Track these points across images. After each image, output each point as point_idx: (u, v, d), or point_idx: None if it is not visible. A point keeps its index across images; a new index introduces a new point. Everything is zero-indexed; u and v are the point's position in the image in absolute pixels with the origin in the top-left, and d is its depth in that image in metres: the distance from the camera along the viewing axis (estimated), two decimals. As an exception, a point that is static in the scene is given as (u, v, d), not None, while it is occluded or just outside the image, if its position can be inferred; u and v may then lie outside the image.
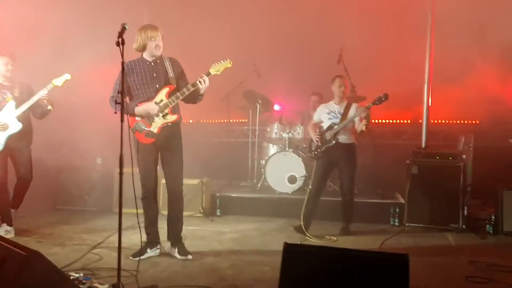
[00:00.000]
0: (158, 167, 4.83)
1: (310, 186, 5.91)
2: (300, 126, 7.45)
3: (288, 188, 7.10)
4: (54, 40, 6.97)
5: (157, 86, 4.62)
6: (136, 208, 4.25)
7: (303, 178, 7.03)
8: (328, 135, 5.81)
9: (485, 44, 7.55)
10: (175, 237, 4.83)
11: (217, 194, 7.08)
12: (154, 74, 4.64)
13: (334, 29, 7.85)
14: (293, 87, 8.22)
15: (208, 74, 4.57)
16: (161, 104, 4.58)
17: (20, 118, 5.46)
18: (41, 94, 5.39)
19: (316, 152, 5.90)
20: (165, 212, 6.59)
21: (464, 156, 6.21)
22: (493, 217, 5.93)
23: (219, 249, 5.09)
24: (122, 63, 3.59)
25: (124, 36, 3.60)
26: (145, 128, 4.60)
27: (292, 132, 7.41)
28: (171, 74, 4.65)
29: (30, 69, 6.10)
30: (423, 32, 7.05)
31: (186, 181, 6.77)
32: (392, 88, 5.90)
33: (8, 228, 5.54)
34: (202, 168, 7.35)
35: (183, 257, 4.69)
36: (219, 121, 9.52)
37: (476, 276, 4.19)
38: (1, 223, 5.58)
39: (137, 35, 4.61)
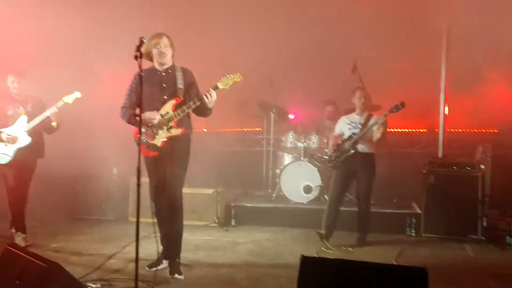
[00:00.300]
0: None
1: (329, 196, 5.89)
2: (316, 136, 7.43)
3: (304, 198, 7.08)
4: (71, 52, 7.07)
5: (165, 97, 4.47)
6: (152, 218, 4.28)
7: (319, 188, 7.01)
8: (347, 145, 5.82)
9: (502, 52, 7.49)
10: (168, 251, 4.63)
11: (232, 204, 7.08)
12: (164, 85, 4.49)
13: (348, 38, 7.88)
14: (308, 96, 8.23)
15: (216, 88, 4.41)
16: (166, 117, 4.42)
17: (30, 133, 5.54)
18: (52, 111, 5.48)
19: (335, 162, 5.90)
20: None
21: (482, 166, 6.13)
22: (512, 227, 5.85)
23: (234, 260, 5.08)
24: (140, 76, 3.61)
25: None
26: (149, 141, 4.46)
27: (307, 141, 7.40)
28: (180, 85, 4.48)
29: (48, 81, 6.20)
30: (438, 40, 7.02)
31: (200, 191, 6.88)
32: (408, 97, 5.89)
33: (23, 235, 5.61)
34: (216, 177, 7.36)
35: (172, 276, 4.42)
36: (233, 130, 9.54)
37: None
38: (15, 232, 5.63)
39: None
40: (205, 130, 9.32)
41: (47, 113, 5.47)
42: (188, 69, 4.65)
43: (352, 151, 5.76)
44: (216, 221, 6.77)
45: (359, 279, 2.92)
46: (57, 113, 5.53)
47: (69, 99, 5.52)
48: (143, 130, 4.42)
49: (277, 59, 8.25)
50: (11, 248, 3.34)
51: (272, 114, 7.96)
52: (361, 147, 5.79)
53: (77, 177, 7.38)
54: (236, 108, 8.47)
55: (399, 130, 8.65)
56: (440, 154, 6.92)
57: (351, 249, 5.58)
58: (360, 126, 5.84)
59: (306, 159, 7.29)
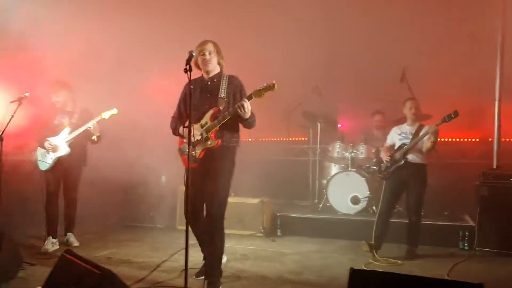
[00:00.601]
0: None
1: (379, 207, 5.80)
2: (363, 145, 7.33)
3: (351, 209, 6.99)
4: (119, 60, 7.25)
5: (207, 107, 4.33)
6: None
7: (367, 199, 6.90)
8: (397, 155, 5.74)
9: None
10: (207, 267, 4.45)
11: (278, 214, 7.06)
12: (208, 95, 4.38)
13: (396, 46, 7.75)
14: (355, 106, 8.16)
15: (250, 97, 4.17)
16: (205, 128, 4.28)
17: (71, 143, 5.83)
18: (89, 125, 5.76)
19: (385, 173, 5.82)
20: (227, 231, 6.74)
21: (540, 178, 5.88)
22: None
23: (281, 271, 5.05)
24: (190, 89, 3.65)
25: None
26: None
27: (354, 151, 7.31)
28: (222, 94, 4.32)
29: (98, 89, 6.40)
30: (492, 46, 6.79)
31: (246, 200, 6.91)
32: (459, 105, 5.72)
33: (53, 240, 5.86)
34: (261, 187, 7.38)
35: None
36: (279, 139, 9.55)
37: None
38: (46, 236, 5.86)
39: None
40: (250, 139, 9.39)
41: (84, 127, 5.75)
42: (235, 77, 4.48)
43: (403, 161, 5.67)
44: (262, 231, 6.77)
45: (411, 294, 2.84)
46: (96, 126, 5.80)
47: (106, 114, 5.83)
48: (185, 140, 4.37)
49: (324, 67, 8.20)
50: (68, 255, 3.45)
51: (318, 123, 7.91)
52: (411, 157, 5.68)
53: (127, 185, 7.56)
54: (282, 118, 8.47)
55: (450, 140, 8.41)
56: (494, 165, 6.66)
57: (400, 262, 5.45)
58: (410, 137, 5.75)
59: (354, 169, 7.19)
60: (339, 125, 8.40)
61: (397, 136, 5.89)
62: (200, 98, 4.37)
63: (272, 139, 9.65)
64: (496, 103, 6.74)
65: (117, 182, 7.20)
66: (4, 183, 5.07)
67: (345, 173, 7.23)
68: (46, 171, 5.89)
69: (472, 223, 6.22)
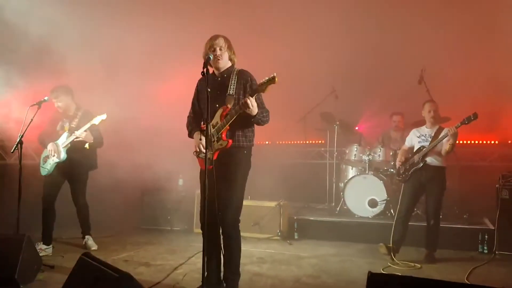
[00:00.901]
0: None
1: (398, 210, 5.75)
2: (381, 148, 7.28)
3: (369, 212, 6.95)
4: (135, 63, 7.31)
5: (217, 105, 4.12)
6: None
7: (384, 202, 6.85)
8: (416, 158, 5.69)
9: None
10: (224, 273, 4.24)
11: (295, 217, 7.04)
12: (218, 92, 4.13)
13: (414, 48, 7.70)
14: (373, 108, 8.10)
15: (254, 93, 3.93)
16: (216, 127, 4.07)
17: (69, 148, 5.72)
18: (79, 133, 5.61)
19: (404, 175, 5.77)
20: (244, 234, 6.74)
21: (561, 180, 5.78)
22: None
23: (298, 275, 5.03)
24: (207, 91, 3.64)
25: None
26: (204, 153, 4.04)
27: (372, 154, 7.26)
28: (231, 91, 4.11)
29: (118, 94, 6.47)
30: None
31: (263, 203, 6.90)
32: (478, 107, 5.66)
33: (43, 247, 5.71)
34: (278, 190, 7.36)
35: None
36: (295, 142, 9.53)
37: None
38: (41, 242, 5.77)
39: None
40: (267, 142, 9.39)
41: (73, 136, 5.62)
42: (244, 72, 4.25)
43: (421, 164, 5.62)
44: (279, 234, 6.76)
45: (430, 299, 2.81)
46: (88, 134, 5.67)
47: (96, 120, 5.66)
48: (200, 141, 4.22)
49: (341, 69, 8.17)
50: (86, 258, 3.49)
51: (335, 126, 7.88)
52: (430, 160, 5.63)
53: (145, 188, 7.62)
54: (299, 121, 8.46)
55: (469, 142, 8.31)
56: (514, 168, 6.56)
57: (418, 265, 5.39)
58: (429, 139, 5.70)
59: (372, 172, 7.15)
60: (356, 128, 8.34)
61: (416, 139, 5.85)
62: (210, 96, 3.98)
63: (289, 142, 9.64)
64: (517, 104, 6.66)
65: (135, 185, 7.27)
66: (25, 186, 5.15)
67: (362, 176, 7.19)
68: (45, 176, 5.84)
69: (491, 226, 6.14)
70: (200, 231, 3.86)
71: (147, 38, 7.45)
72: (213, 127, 4.09)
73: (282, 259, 5.70)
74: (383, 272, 5.03)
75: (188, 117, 4.48)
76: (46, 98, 5.61)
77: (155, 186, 7.58)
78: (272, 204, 6.90)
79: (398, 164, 5.87)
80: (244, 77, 4.18)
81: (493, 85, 7.46)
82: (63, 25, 6.20)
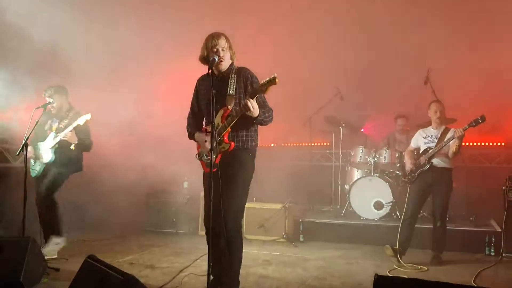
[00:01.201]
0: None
1: (404, 212, 5.71)
2: (387, 150, 7.24)
3: (374, 215, 6.91)
4: (141, 65, 7.30)
5: (218, 106, 3.93)
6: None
7: (390, 204, 6.82)
8: (422, 159, 5.67)
9: None
10: (222, 278, 4.04)
11: (300, 219, 7.01)
12: (218, 92, 3.93)
13: (420, 49, 7.67)
14: (378, 109, 8.08)
15: (254, 95, 3.82)
16: (217, 130, 3.92)
17: (56, 149, 5.57)
18: (64, 134, 5.46)
19: (410, 177, 5.74)
20: (250, 237, 6.74)
21: None
22: None
23: (304, 277, 5.01)
24: (212, 94, 3.61)
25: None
26: (206, 156, 4.07)
27: (378, 156, 7.23)
28: (231, 91, 3.97)
29: (119, 94, 6.46)
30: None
31: (268, 206, 6.89)
32: (484, 109, 5.63)
33: (56, 240, 5.61)
34: (283, 192, 7.33)
35: None
36: (301, 144, 9.51)
37: None
38: (44, 243, 5.61)
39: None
40: (272, 145, 9.38)
41: (61, 135, 5.48)
42: (243, 69, 4.12)
43: (428, 165, 5.58)
44: (285, 236, 6.74)
45: (437, 302, 2.78)
46: (72, 135, 5.50)
47: (81, 120, 5.47)
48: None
49: (346, 71, 8.15)
50: (91, 261, 3.48)
51: (341, 128, 7.86)
52: (436, 161, 5.60)
53: (150, 191, 7.62)
54: (304, 123, 8.43)
55: (475, 144, 8.26)
56: (521, 169, 6.52)
57: (425, 268, 5.36)
58: (436, 140, 5.66)
59: (377, 174, 7.12)
60: (361, 130, 8.31)
61: (422, 140, 5.82)
62: (209, 96, 3.94)
63: (294, 144, 9.62)
64: (523, 106, 6.62)
65: (140, 188, 7.27)
66: (30, 189, 5.15)
67: (368, 178, 7.16)
68: (35, 178, 5.70)
69: (498, 229, 6.10)
70: (205, 233, 3.85)
71: (153, 40, 7.46)
72: (216, 129, 3.94)
73: (287, 261, 5.68)
74: (390, 274, 5.00)
75: (187, 118, 4.39)
76: (51, 100, 5.62)
77: (160, 188, 7.58)
78: (278, 206, 6.88)
79: (409, 164, 5.81)
80: (244, 74, 4.05)
81: (499, 86, 7.43)
82: (68, 27, 6.21)
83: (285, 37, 8.56)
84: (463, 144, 5.65)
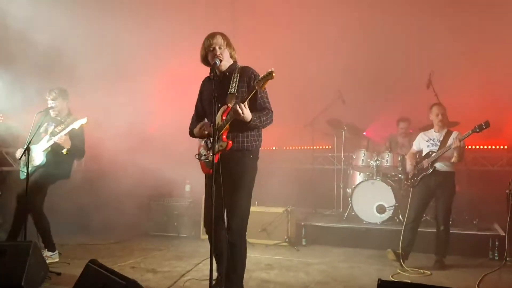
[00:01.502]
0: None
1: (406, 216, 5.69)
2: (389, 154, 7.22)
3: (377, 218, 6.88)
4: (143, 67, 7.29)
5: (219, 105, 3.89)
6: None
7: (393, 207, 6.79)
8: (425, 163, 5.63)
9: None
10: (226, 283, 3.97)
11: (303, 223, 6.98)
12: (220, 91, 3.89)
13: (422, 52, 7.66)
14: (380, 113, 8.05)
15: (252, 90, 3.76)
16: (218, 128, 3.83)
17: (48, 153, 5.48)
18: (57, 138, 5.35)
19: (412, 180, 5.72)
20: (252, 241, 6.71)
21: None
22: None
23: (307, 281, 4.99)
24: (214, 97, 3.59)
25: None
26: (205, 156, 4.01)
27: (380, 159, 7.20)
28: (233, 89, 3.91)
29: (121, 97, 6.45)
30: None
31: (270, 209, 6.87)
32: (486, 112, 5.63)
33: (49, 253, 5.50)
34: (285, 195, 7.32)
35: None
36: (303, 147, 9.49)
37: None
38: (43, 248, 5.53)
39: None
40: (274, 148, 9.36)
41: (55, 138, 5.37)
42: (247, 68, 4.06)
43: (430, 169, 5.56)
44: (287, 240, 6.71)
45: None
46: (66, 139, 5.37)
47: (76, 124, 5.37)
48: (202, 143, 4.16)
49: (348, 74, 8.13)
50: (93, 265, 3.47)
51: (343, 132, 7.84)
52: (439, 165, 5.57)
53: (152, 195, 7.60)
54: (306, 126, 8.42)
55: (478, 147, 8.23)
56: (525, 173, 6.50)
57: (428, 272, 5.33)
58: (438, 143, 5.63)
59: (379, 177, 7.09)
60: (364, 133, 8.30)
61: (424, 143, 5.79)
62: (211, 95, 3.78)
63: (296, 148, 9.60)
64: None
65: (142, 192, 7.25)
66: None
67: (370, 181, 7.13)
68: (23, 180, 5.35)
69: (502, 233, 6.08)
70: (207, 237, 3.82)
71: (153, 41, 7.46)
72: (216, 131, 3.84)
73: (290, 266, 5.65)
74: (393, 279, 4.97)
75: (192, 118, 4.35)
76: (53, 105, 5.60)
77: (162, 192, 7.56)
78: (280, 210, 6.85)
79: (410, 167, 5.80)
80: (247, 74, 3.98)
81: (502, 89, 7.41)
82: (70, 30, 6.21)
83: (287, 40, 8.55)
84: (466, 147, 5.62)
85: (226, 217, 3.88)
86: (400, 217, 6.75)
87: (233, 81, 3.95)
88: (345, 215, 7.33)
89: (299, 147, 9.56)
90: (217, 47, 3.94)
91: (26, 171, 5.29)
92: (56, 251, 5.63)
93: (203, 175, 4.24)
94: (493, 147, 8.26)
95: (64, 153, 5.41)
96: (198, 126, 4.08)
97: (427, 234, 5.98)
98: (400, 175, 7.10)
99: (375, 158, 7.20)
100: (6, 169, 6.80)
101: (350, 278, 5.15)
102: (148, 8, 7.64)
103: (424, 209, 5.82)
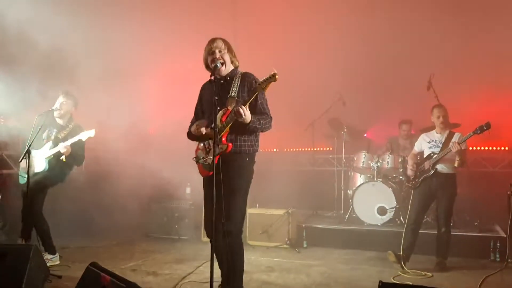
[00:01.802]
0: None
1: (407, 218, 5.67)
2: (389, 155, 7.21)
3: (378, 220, 6.87)
4: (143, 68, 7.29)
5: (218, 108, 3.89)
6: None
7: (394, 209, 6.78)
8: (426, 165, 5.62)
9: None
10: (227, 284, 4.01)
11: (303, 225, 6.97)
12: (221, 96, 3.95)
13: (423, 54, 7.65)
14: (381, 114, 8.05)
15: (254, 92, 3.82)
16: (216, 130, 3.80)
17: (51, 160, 5.48)
18: (62, 146, 5.35)
19: (414, 182, 5.70)
20: (252, 243, 6.71)
21: None
22: None
23: (307, 283, 4.98)
24: (215, 100, 3.59)
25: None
26: (203, 158, 4.03)
27: (381, 161, 7.20)
28: (233, 93, 3.96)
29: (121, 99, 6.44)
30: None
31: (271, 211, 6.86)
32: (487, 113, 5.62)
33: (49, 256, 5.53)
34: (286, 197, 7.31)
35: None
36: (303, 149, 9.48)
37: None
38: (44, 251, 5.54)
39: None
40: (275, 150, 9.36)
41: (58, 148, 5.37)
42: (248, 74, 4.10)
43: (432, 171, 5.54)
44: (288, 242, 6.70)
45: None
46: (68, 147, 5.36)
47: (83, 136, 5.37)
48: (200, 145, 4.16)
49: (349, 76, 8.13)
50: (93, 268, 3.46)
51: (343, 133, 7.84)
52: (440, 167, 5.55)
53: (152, 197, 7.59)
54: (306, 128, 8.41)
55: (478, 148, 8.22)
56: (526, 174, 6.49)
57: (429, 274, 5.32)
58: (440, 145, 5.60)
59: (380, 179, 7.08)
60: (365, 135, 8.29)
61: (426, 144, 5.77)
62: (212, 99, 3.82)
63: (297, 149, 9.59)
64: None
65: (143, 194, 7.24)
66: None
67: (371, 183, 7.12)
68: (23, 185, 5.43)
69: (503, 234, 6.07)
70: (208, 239, 3.81)
71: (155, 42, 7.45)
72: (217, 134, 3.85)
73: (291, 268, 5.64)
74: (394, 281, 4.96)
75: (191, 122, 4.35)
76: (54, 107, 5.59)
77: (163, 194, 7.55)
78: (281, 212, 6.85)
79: (410, 170, 5.79)
80: (248, 79, 4.03)
81: (502, 90, 7.40)
82: (70, 31, 6.20)
83: (287, 41, 8.56)
84: (467, 148, 5.60)
85: (223, 220, 3.82)
86: (401, 218, 6.75)
87: (233, 85, 3.99)
88: (346, 217, 7.32)
89: (300, 149, 9.56)
90: (217, 51, 3.99)
91: (26, 174, 5.26)
92: (57, 254, 5.64)
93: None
94: (494, 148, 8.25)
95: (63, 160, 5.43)
96: (195, 124, 4.10)
97: (428, 235, 5.96)
98: (401, 177, 7.09)
99: (376, 160, 7.19)
100: (6, 171, 6.79)
101: (351, 280, 5.14)
102: (148, 8, 7.64)
103: (425, 211, 5.80)
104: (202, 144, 4.12)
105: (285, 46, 8.58)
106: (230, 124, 3.86)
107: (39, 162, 5.51)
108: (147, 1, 7.73)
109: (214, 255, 3.79)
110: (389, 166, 7.18)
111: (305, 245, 6.81)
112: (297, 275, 5.32)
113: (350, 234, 6.82)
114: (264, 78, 3.70)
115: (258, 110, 3.97)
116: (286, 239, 6.71)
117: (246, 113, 3.74)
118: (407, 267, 5.41)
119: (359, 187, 7.18)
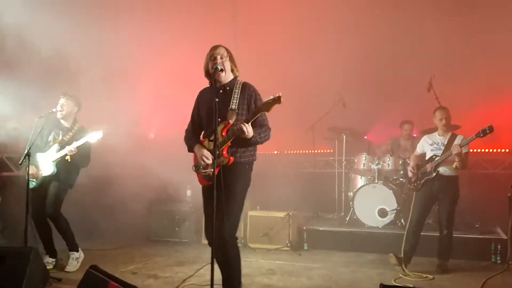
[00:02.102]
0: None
1: (409, 220, 5.65)
2: (390, 157, 7.20)
3: (379, 222, 6.86)
4: (143, 69, 7.28)
5: (219, 120, 3.85)
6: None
7: (394, 211, 6.77)
8: (428, 167, 5.59)
9: None
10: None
11: (304, 228, 6.96)
12: (220, 105, 3.86)
13: (423, 55, 7.65)
14: (381, 116, 8.04)
15: (258, 112, 3.84)
16: (217, 143, 3.82)
17: (58, 162, 5.41)
18: (72, 147, 5.27)
19: (415, 184, 5.69)
20: (253, 245, 6.70)
21: None
22: None
23: (308, 286, 4.97)
24: (215, 102, 3.58)
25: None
26: (203, 169, 4.04)
27: (381, 163, 7.19)
28: (233, 105, 3.95)
29: (121, 100, 6.44)
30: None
31: (272, 214, 6.85)
32: (488, 115, 5.61)
33: (50, 260, 5.51)
34: (287, 199, 7.31)
35: None
36: (304, 151, 9.48)
37: None
38: (44, 254, 5.52)
39: None
40: (275, 152, 9.35)
41: (66, 150, 5.29)
42: (248, 86, 4.10)
43: (434, 173, 5.52)
44: (289, 244, 6.68)
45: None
46: (74, 149, 5.28)
47: (91, 138, 5.31)
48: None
49: (349, 78, 8.12)
50: (93, 271, 3.45)
51: (344, 135, 7.83)
52: (443, 170, 5.52)
53: (153, 200, 7.58)
54: (307, 130, 8.41)
55: (479, 150, 8.20)
56: (527, 176, 6.48)
57: (431, 276, 5.31)
58: (442, 147, 5.58)
59: (381, 181, 7.07)
60: (365, 137, 8.28)
61: (428, 146, 5.74)
62: (211, 108, 3.81)
63: (297, 152, 9.59)
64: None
65: (143, 197, 7.23)
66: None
67: (371, 185, 7.11)
68: (32, 189, 5.30)
69: (504, 236, 6.06)
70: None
71: (155, 43, 7.45)
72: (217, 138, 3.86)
73: (292, 270, 5.63)
74: (395, 283, 4.95)
75: (186, 131, 4.33)
76: (54, 109, 5.57)
77: (163, 197, 7.54)
78: (281, 214, 6.83)
79: (410, 171, 5.78)
80: (248, 92, 4.04)
81: (503, 92, 7.39)
82: (69, 33, 6.19)
83: (287, 41, 8.55)
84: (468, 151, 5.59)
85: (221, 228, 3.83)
86: (402, 221, 6.73)
87: (233, 96, 3.98)
88: (347, 219, 7.31)
89: (301, 151, 9.56)
90: (218, 57, 3.98)
91: (33, 178, 5.37)
92: (57, 257, 5.62)
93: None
94: (495, 150, 8.25)
95: (68, 160, 5.35)
96: (200, 152, 4.03)
97: (429, 238, 5.94)
98: (401, 179, 7.09)
99: (377, 162, 7.18)
100: (6, 174, 6.78)
101: (352, 282, 5.12)
102: (148, 9, 7.64)
103: (426, 213, 5.78)
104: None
105: (285, 46, 8.57)
106: (231, 139, 3.88)
107: (47, 165, 5.47)
108: (147, 1, 7.72)
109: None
110: (389, 168, 7.17)
111: (306, 248, 6.80)
112: (298, 277, 5.31)
113: (351, 236, 6.81)
114: (269, 99, 3.70)
115: (259, 123, 3.99)
116: (287, 242, 6.70)
117: (248, 130, 3.78)
118: (408, 269, 5.39)
119: (359, 189, 7.18)
